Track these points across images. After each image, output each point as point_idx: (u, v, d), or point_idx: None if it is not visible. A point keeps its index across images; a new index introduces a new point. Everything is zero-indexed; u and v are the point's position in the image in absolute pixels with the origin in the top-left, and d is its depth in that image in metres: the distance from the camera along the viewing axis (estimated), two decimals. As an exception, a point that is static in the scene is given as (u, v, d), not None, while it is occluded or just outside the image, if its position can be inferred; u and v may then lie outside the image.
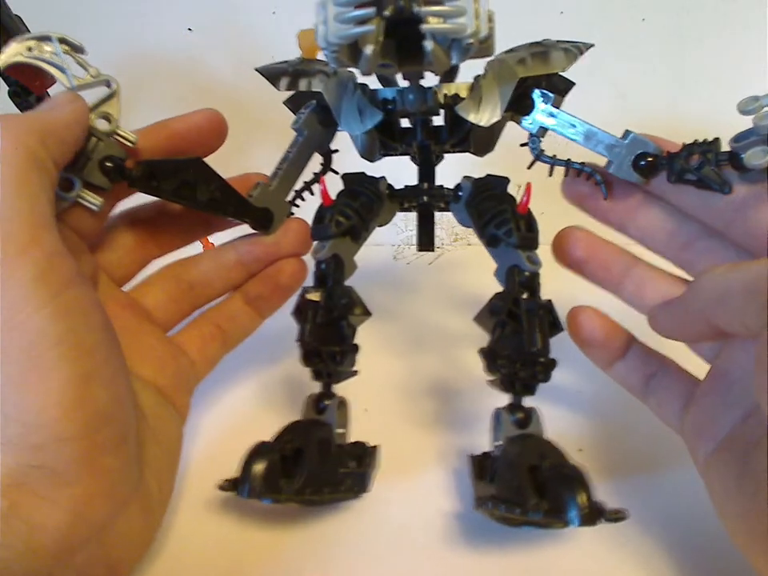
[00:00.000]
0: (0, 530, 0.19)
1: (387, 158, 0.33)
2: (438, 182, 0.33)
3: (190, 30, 0.52)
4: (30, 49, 0.26)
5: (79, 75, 0.26)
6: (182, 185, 0.28)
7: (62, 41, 0.26)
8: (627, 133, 0.28)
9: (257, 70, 0.31)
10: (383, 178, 0.33)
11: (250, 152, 0.50)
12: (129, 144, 0.27)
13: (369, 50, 0.20)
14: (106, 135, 0.27)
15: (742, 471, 0.23)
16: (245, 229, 0.33)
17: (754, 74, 0.50)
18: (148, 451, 0.26)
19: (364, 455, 0.30)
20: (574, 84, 0.30)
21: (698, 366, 0.28)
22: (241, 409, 0.37)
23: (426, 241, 0.36)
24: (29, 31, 0.38)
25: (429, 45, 0.20)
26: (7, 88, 0.39)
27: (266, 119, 0.52)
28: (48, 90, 0.40)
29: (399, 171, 0.34)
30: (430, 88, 0.27)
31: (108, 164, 0.26)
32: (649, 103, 0.52)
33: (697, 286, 0.23)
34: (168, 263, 0.33)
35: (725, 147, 0.25)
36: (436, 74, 0.26)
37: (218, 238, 0.35)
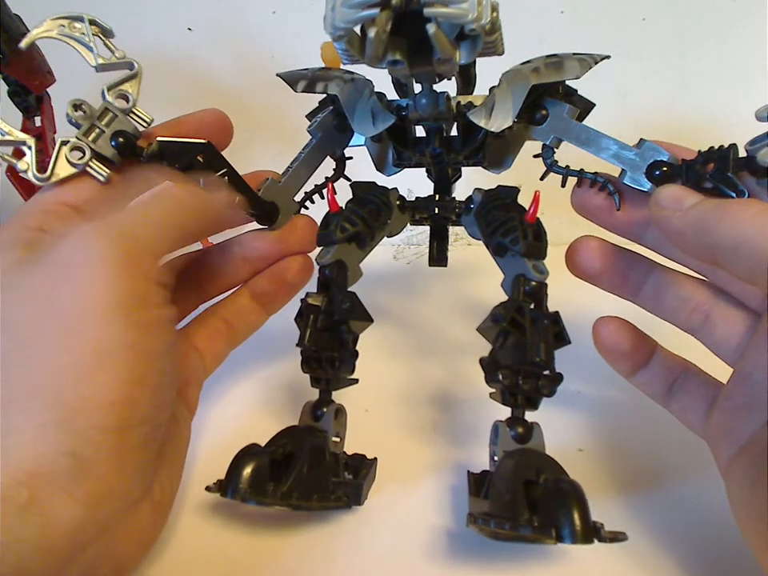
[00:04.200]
0: (17, 524, 0.19)
1: (406, 175, 0.33)
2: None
3: (189, 29, 0.52)
4: (62, 27, 0.27)
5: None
6: (188, 166, 0.29)
7: (93, 22, 0.27)
8: (641, 141, 0.28)
9: (278, 75, 0.31)
10: (395, 188, 0.33)
11: (250, 151, 0.50)
12: (144, 124, 0.28)
13: (372, 32, 0.20)
14: (123, 113, 0.27)
15: (759, 476, 0.23)
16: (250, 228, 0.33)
17: (754, 74, 0.50)
18: (163, 449, 0.26)
19: (361, 467, 0.30)
20: (593, 105, 0.29)
21: (718, 368, 0.28)
22: (242, 411, 0.36)
23: (438, 256, 0.36)
24: (28, 30, 0.38)
25: (431, 28, 0.20)
26: (6, 88, 0.39)
27: (266, 119, 0.52)
28: (47, 90, 0.40)
29: (418, 188, 0.34)
30: (443, 93, 0.27)
31: (120, 139, 0.27)
32: (649, 103, 0.52)
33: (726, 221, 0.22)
34: (174, 257, 0.33)
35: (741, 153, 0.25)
36: (446, 74, 0.25)
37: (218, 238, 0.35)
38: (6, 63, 0.36)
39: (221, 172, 0.30)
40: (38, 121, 0.40)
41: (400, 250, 0.54)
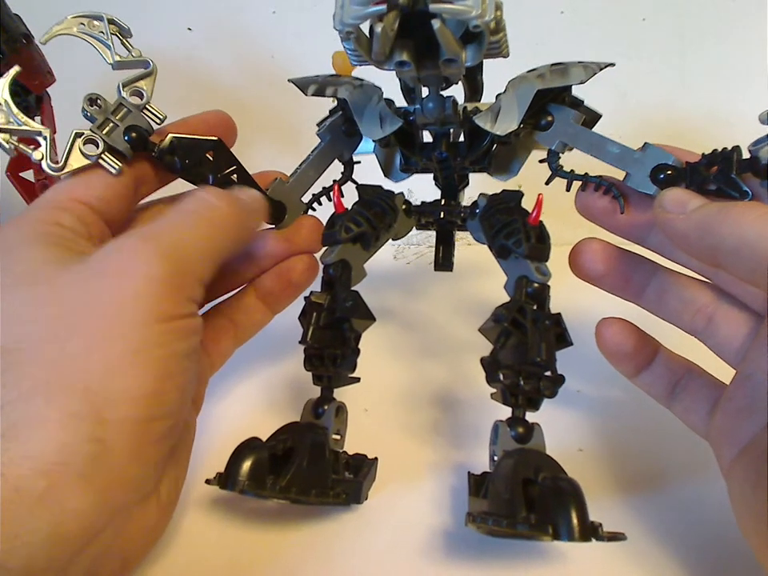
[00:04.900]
0: (31, 515, 0.19)
1: (414, 180, 0.33)
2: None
3: (189, 29, 0.52)
4: (81, 25, 0.28)
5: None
6: (198, 163, 0.29)
7: (111, 21, 0.28)
8: (646, 145, 0.28)
9: (290, 80, 0.32)
10: (401, 193, 0.33)
11: (250, 152, 0.50)
12: (157, 120, 0.29)
13: (379, 27, 0.21)
14: (137, 108, 0.28)
15: (760, 477, 0.23)
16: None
17: (754, 74, 0.50)
18: (176, 445, 0.26)
19: (361, 467, 0.30)
20: (600, 115, 0.30)
21: (721, 369, 0.28)
22: (246, 408, 0.37)
23: (444, 261, 0.36)
24: (28, 30, 0.38)
25: (436, 23, 0.20)
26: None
27: (266, 119, 0.52)
28: (47, 90, 0.40)
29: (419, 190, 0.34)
30: (449, 97, 0.27)
31: (133, 133, 0.28)
32: (649, 103, 0.52)
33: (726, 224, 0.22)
34: None
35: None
36: (453, 78, 0.26)
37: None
38: (6, 63, 0.36)
39: (230, 169, 0.30)
40: (38, 121, 0.40)
41: (400, 250, 0.54)
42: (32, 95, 0.40)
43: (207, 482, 0.27)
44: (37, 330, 0.22)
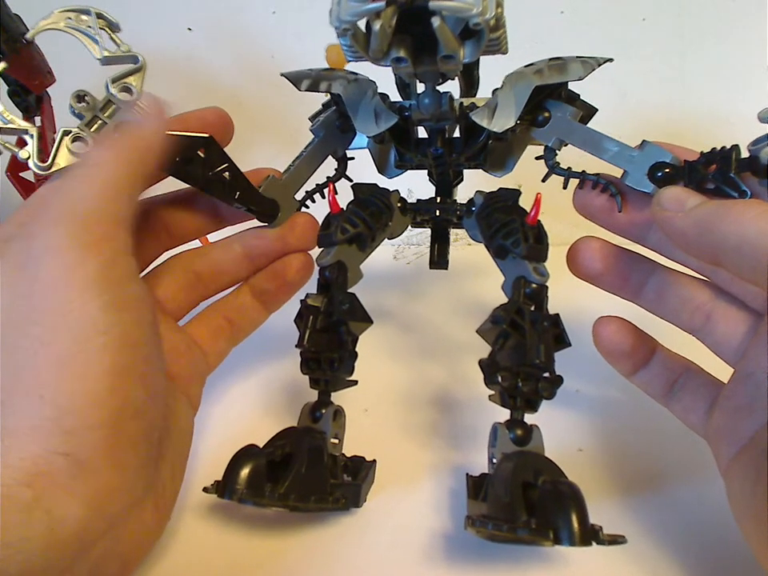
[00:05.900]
0: (23, 523, 0.19)
1: (406, 175, 0.33)
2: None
3: (189, 29, 0.52)
4: (69, 19, 0.28)
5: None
6: (189, 160, 0.29)
7: (100, 15, 0.28)
8: (644, 143, 0.27)
9: (283, 74, 0.31)
10: (396, 191, 0.33)
11: (249, 151, 0.50)
12: None
13: (377, 24, 0.20)
14: (126, 105, 0.27)
15: (759, 476, 0.23)
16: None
17: (754, 74, 0.50)
18: (164, 443, 0.26)
19: (360, 469, 0.30)
20: (596, 110, 0.30)
21: (719, 367, 0.28)
22: (243, 411, 0.37)
23: (439, 259, 0.36)
24: (28, 30, 0.38)
25: (436, 21, 0.20)
26: (6, 87, 0.39)
27: (266, 119, 0.52)
28: (47, 90, 0.40)
29: (418, 189, 0.34)
30: (446, 92, 0.27)
31: None
32: (649, 103, 0.52)
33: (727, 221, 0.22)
34: (176, 253, 0.33)
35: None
36: (450, 74, 0.25)
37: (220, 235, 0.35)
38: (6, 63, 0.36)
39: (222, 167, 0.30)
40: (37, 121, 0.40)
41: (400, 250, 0.54)
42: (32, 95, 0.40)
43: (205, 490, 0.27)
44: None
